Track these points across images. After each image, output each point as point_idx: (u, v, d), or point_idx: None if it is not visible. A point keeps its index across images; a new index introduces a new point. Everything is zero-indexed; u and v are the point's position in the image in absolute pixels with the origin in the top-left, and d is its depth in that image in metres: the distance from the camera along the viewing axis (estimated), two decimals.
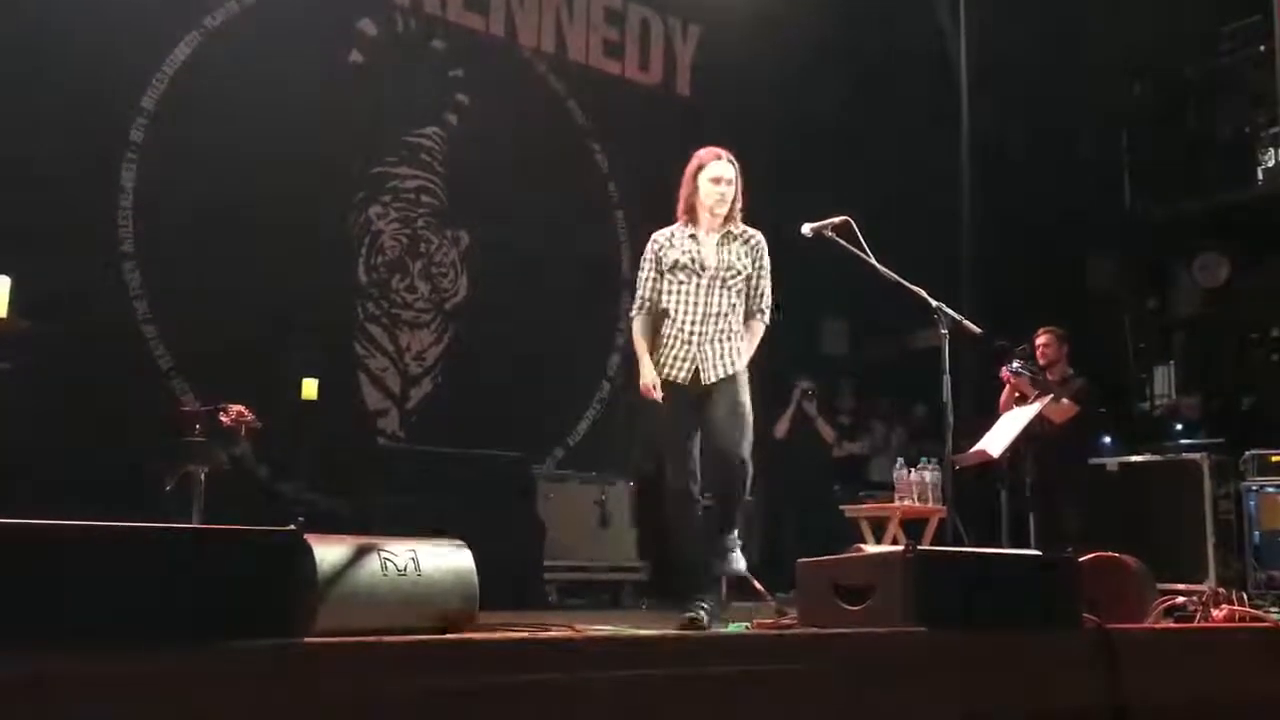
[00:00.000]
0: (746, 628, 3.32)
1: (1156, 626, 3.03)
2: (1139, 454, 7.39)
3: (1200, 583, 6.00)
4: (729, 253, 4.27)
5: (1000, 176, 8.06)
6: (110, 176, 6.21)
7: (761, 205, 8.45)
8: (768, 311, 4.35)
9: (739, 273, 4.26)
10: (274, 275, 6.52)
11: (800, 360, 8.44)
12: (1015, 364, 6.44)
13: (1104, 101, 9.16)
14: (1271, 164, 7.64)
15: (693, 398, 4.19)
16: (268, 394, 5.44)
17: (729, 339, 4.25)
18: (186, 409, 5.57)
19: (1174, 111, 8.91)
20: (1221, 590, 3.75)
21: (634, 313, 4.41)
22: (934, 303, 4.25)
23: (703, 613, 3.67)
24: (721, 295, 4.24)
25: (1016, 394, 6.45)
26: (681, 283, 4.24)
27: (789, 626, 3.03)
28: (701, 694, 2.15)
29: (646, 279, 4.35)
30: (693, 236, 4.30)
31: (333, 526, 3.49)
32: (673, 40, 8.92)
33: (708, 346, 4.21)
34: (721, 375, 4.18)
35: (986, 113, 7.69)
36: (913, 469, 6.10)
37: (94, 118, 6.12)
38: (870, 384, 9.04)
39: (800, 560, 3.06)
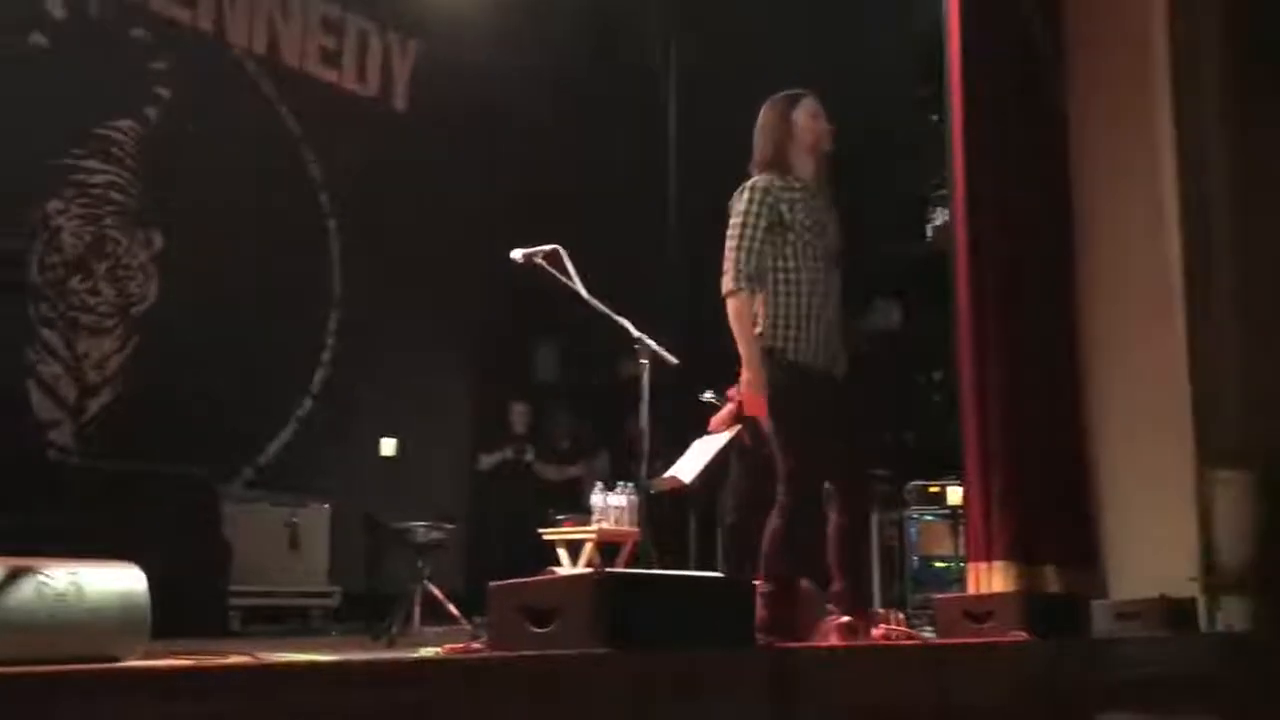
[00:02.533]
0: (437, 652, 3.31)
1: (821, 645, 3.27)
2: None
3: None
4: (836, 217, 3.55)
5: (703, 212, 8.42)
6: None
7: (479, 230, 8.44)
8: None
9: (840, 244, 3.52)
10: None
11: (517, 386, 8.51)
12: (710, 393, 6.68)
13: None
14: (939, 222, 8.43)
15: (831, 396, 3.37)
16: None
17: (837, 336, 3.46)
18: None
19: (862, 166, 9.63)
20: (881, 611, 4.12)
21: (738, 282, 3.37)
22: (636, 333, 4.38)
23: None
24: (834, 273, 3.48)
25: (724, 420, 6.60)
26: (808, 244, 3.41)
27: (478, 651, 3.05)
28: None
29: (753, 237, 3.37)
30: (805, 188, 3.47)
31: None
32: (391, 53, 8.79)
33: (834, 339, 3.43)
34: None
35: (693, 145, 8.04)
36: (610, 493, 6.26)
37: None
38: (582, 410, 9.21)
39: (492, 584, 3.08)
